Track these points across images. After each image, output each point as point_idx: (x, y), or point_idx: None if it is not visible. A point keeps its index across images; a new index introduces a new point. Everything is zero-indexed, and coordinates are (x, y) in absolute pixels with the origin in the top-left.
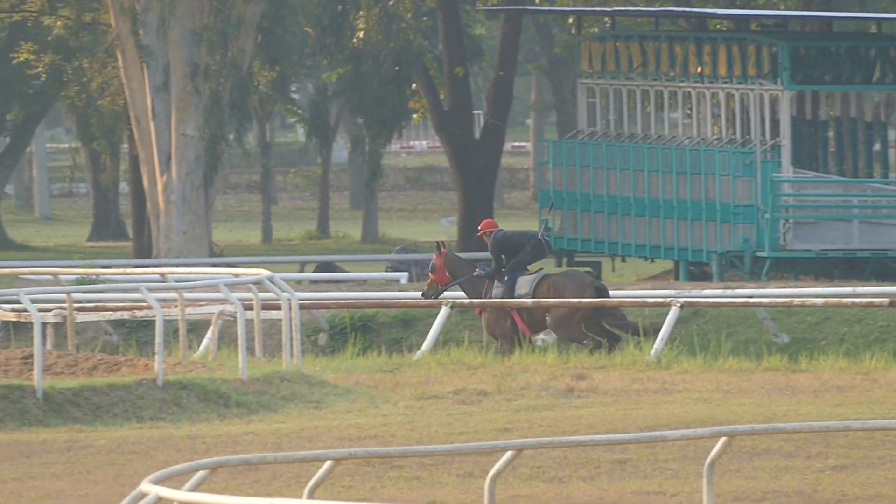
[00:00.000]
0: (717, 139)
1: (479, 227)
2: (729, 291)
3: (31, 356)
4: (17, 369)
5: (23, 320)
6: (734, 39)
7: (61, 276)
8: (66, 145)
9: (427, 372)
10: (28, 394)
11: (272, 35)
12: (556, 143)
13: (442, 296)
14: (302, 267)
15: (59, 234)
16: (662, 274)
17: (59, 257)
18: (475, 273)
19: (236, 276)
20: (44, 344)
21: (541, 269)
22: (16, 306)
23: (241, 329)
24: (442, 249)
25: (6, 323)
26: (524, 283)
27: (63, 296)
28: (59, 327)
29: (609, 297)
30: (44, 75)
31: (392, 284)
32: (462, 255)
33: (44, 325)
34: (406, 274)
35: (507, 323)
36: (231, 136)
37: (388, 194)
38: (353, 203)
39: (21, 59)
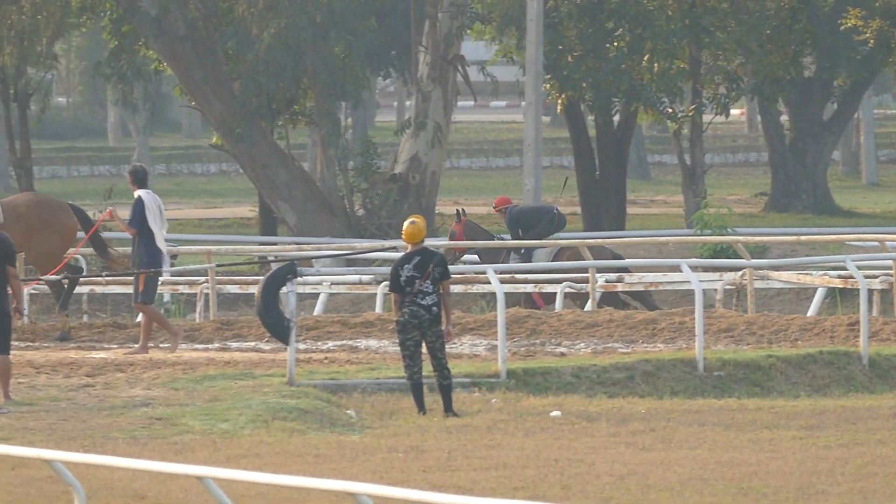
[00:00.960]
0: None
1: (494, 205)
2: None
3: (856, 322)
4: (842, 335)
5: (849, 287)
6: None
7: (887, 243)
8: (894, 111)
9: None
10: (854, 360)
11: None
12: None
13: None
14: None
15: (886, 201)
16: None
17: (886, 224)
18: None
19: None
20: (869, 310)
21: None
22: (842, 273)
23: None
24: (462, 217)
25: (832, 289)
26: (541, 255)
27: (889, 262)
28: (885, 294)
29: (627, 268)
30: (871, 41)
31: None
32: None
33: (870, 291)
34: None
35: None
36: None
37: None
38: None
39: (849, 25)
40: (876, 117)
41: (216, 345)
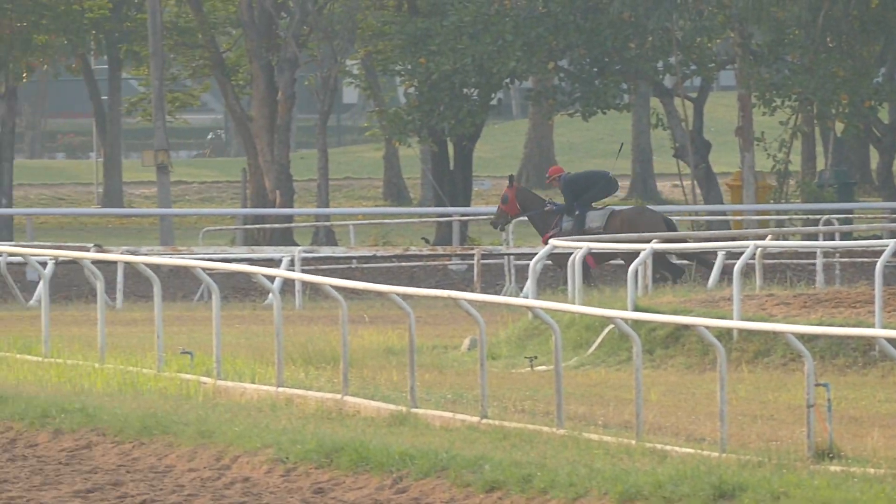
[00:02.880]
0: None
1: (547, 175)
2: None
3: None
4: None
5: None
6: None
7: None
8: None
9: None
10: None
11: None
12: None
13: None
14: None
15: None
16: None
17: None
18: (546, 208)
19: None
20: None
21: (606, 206)
22: None
23: None
24: (514, 182)
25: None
26: (595, 217)
27: None
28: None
29: (676, 229)
30: None
31: None
32: None
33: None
34: None
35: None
36: None
37: None
38: None
39: None
40: None
41: None
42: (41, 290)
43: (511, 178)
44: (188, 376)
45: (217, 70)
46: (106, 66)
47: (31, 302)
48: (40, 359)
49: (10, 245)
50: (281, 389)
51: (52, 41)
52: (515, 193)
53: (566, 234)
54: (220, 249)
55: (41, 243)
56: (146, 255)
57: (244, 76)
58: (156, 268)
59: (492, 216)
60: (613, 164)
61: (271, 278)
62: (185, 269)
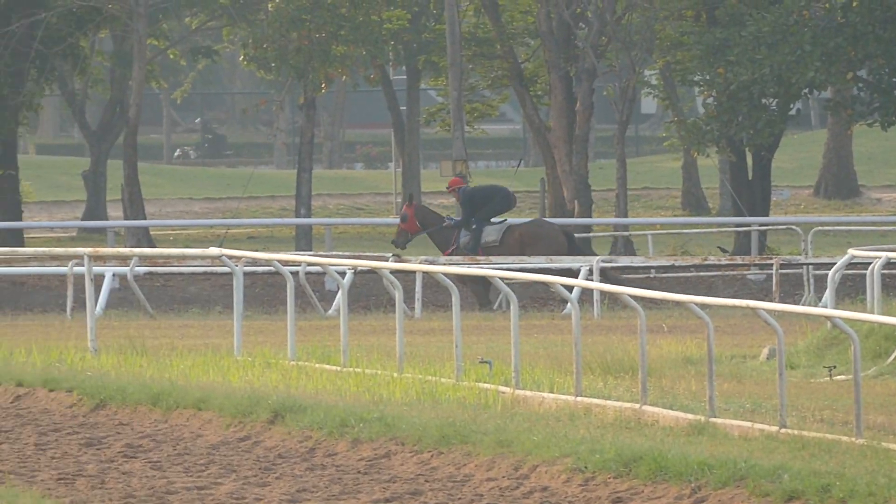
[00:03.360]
0: None
1: (447, 185)
2: None
3: None
4: None
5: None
6: None
7: None
8: None
9: None
10: None
11: None
12: None
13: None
14: None
15: None
16: None
17: None
18: (444, 224)
19: None
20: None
21: (504, 220)
22: None
23: None
24: (412, 201)
25: None
26: (491, 231)
27: None
28: None
29: (576, 243)
30: None
31: None
32: None
33: None
34: None
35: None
36: None
37: None
38: None
39: None
40: None
41: None
42: (340, 299)
43: (410, 196)
44: (486, 385)
45: (515, 80)
46: (404, 77)
47: (330, 311)
48: (339, 368)
49: (310, 255)
50: (579, 399)
51: (350, 52)
52: (414, 211)
53: (463, 249)
54: (518, 259)
55: (340, 253)
56: (444, 264)
57: (542, 86)
58: (454, 277)
59: (787, 226)
60: (511, 182)
61: (569, 288)
62: (484, 278)
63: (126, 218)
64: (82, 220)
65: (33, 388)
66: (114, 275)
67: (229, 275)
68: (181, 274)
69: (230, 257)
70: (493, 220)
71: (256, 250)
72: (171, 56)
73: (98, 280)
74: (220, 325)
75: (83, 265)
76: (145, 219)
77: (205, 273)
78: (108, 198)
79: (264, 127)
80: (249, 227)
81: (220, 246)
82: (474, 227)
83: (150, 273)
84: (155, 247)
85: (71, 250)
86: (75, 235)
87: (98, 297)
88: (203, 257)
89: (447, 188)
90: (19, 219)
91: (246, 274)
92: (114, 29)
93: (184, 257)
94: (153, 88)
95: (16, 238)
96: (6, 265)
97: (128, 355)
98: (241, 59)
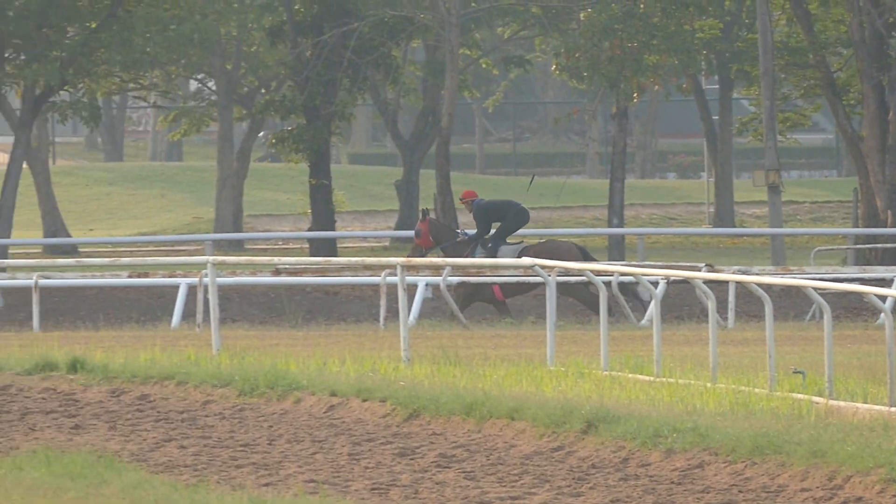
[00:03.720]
0: None
1: (461, 197)
2: None
3: None
4: None
5: None
6: None
7: None
8: None
9: None
10: None
11: None
12: None
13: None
14: None
15: None
16: None
17: None
18: (458, 238)
19: None
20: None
21: (521, 241)
22: None
23: None
24: (426, 216)
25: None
26: (507, 252)
27: None
28: None
29: (594, 260)
30: None
31: None
32: None
33: None
34: None
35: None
36: None
37: None
38: None
39: None
40: None
41: None
42: (652, 309)
43: (423, 211)
44: (800, 396)
45: (827, 90)
46: (716, 86)
47: (643, 321)
48: (652, 378)
49: (622, 265)
50: (893, 409)
51: (662, 62)
52: (428, 227)
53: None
54: (832, 269)
55: (652, 263)
56: (757, 274)
57: (855, 96)
58: (767, 287)
59: None
60: (523, 197)
61: (883, 298)
62: (797, 288)
63: None
64: (395, 229)
65: (347, 397)
66: (426, 284)
67: (542, 284)
68: (493, 283)
69: (543, 267)
70: (508, 240)
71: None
72: (483, 65)
73: (411, 290)
74: (532, 335)
75: (396, 275)
76: (458, 228)
77: (517, 283)
78: (420, 207)
79: (576, 136)
80: (562, 237)
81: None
82: (490, 246)
83: (463, 283)
84: None
85: (384, 260)
86: (388, 245)
87: (411, 306)
88: (516, 267)
89: (460, 199)
90: (332, 228)
91: (558, 284)
92: (426, 38)
93: (496, 267)
94: (465, 98)
95: (329, 248)
96: (320, 275)
97: (441, 365)
98: (553, 68)
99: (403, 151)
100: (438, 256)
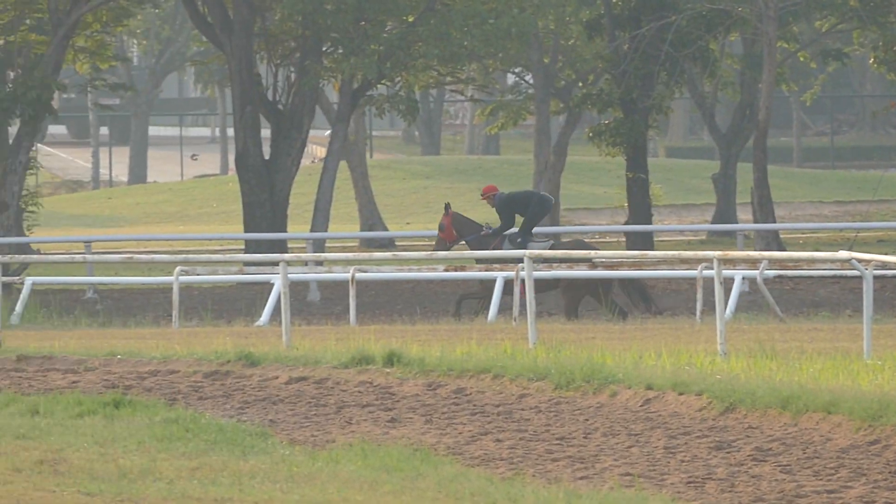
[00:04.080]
0: None
1: (482, 193)
2: None
3: None
4: None
5: None
6: None
7: None
8: None
9: None
10: None
11: None
12: None
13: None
14: None
15: None
16: None
17: None
18: (482, 232)
19: None
20: None
21: (548, 239)
22: None
23: None
24: (449, 210)
25: None
26: (536, 248)
27: None
28: None
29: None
30: None
31: None
32: None
33: None
34: None
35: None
36: None
37: None
38: None
39: None
40: None
41: None
42: None
43: (447, 206)
44: None
45: None
46: None
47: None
48: None
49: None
50: None
51: None
52: (451, 220)
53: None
54: None
55: None
56: None
57: None
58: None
59: None
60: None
61: None
62: None
63: (755, 221)
64: (712, 223)
65: (663, 391)
66: (743, 278)
67: (859, 278)
68: (810, 277)
69: (860, 261)
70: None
71: (886, 254)
72: (801, 59)
73: (727, 283)
74: (849, 328)
75: (712, 268)
76: (774, 222)
77: (834, 277)
78: (737, 201)
79: (894, 130)
80: (879, 230)
81: (849, 249)
82: (519, 241)
83: (780, 276)
84: (784, 250)
85: (700, 254)
86: (705, 238)
87: (727, 300)
88: (832, 261)
89: (481, 196)
90: (649, 222)
91: (875, 277)
92: (743, 32)
93: (813, 261)
94: (783, 91)
95: (645, 241)
96: (636, 269)
97: (757, 359)
98: (871, 61)
99: (720, 145)
100: (465, 250)
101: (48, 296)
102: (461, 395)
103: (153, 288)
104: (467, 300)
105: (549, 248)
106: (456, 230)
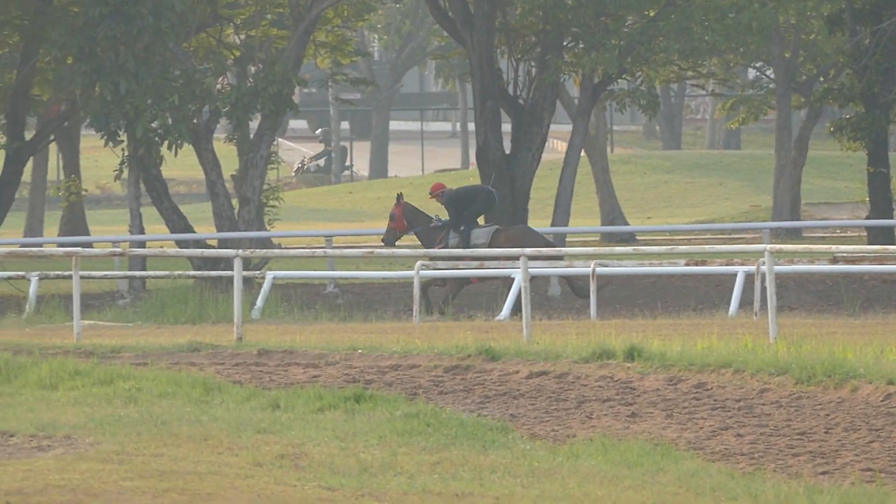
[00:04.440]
0: None
1: (430, 192)
2: None
3: None
4: None
5: None
6: None
7: None
8: None
9: None
10: None
11: None
12: None
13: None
14: None
15: None
16: None
17: None
18: (432, 224)
19: None
20: None
21: (492, 224)
22: None
23: None
24: (400, 200)
25: None
26: (480, 234)
27: None
28: None
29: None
30: None
31: None
32: None
33: None
34: None
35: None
36: None
37: None
38: None
39: None
40: None
41: None
42: None
43: (399, 196)
44: None
45: None
46: None
47: None
48: None
49: None
50: None
51: None
52: (402, 211)
53: (453, 249)
54: None
55: None
56: None
57: None
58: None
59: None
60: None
61: None
62: None
63: None
64: None
65: None
66: None
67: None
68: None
69: None
70: (479, 222)
71: None
72: None
73: None
74: None
75: None
76: None
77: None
78: None
79: None
80: None
81: None
82: (462, 228)
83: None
84: None
85: None
86: None
87: None
88: None
89: (430, 194)
90: (890, 217)
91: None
92: None
93: None
94: None
95: (887, 236)
96: (878, 263)
97: None
98: None
99: None
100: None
101: (289, 290)
102: (702, 390)
103: (393, 283)
104: (432, 288)
105: (493, 234)
106: (406, 220)
